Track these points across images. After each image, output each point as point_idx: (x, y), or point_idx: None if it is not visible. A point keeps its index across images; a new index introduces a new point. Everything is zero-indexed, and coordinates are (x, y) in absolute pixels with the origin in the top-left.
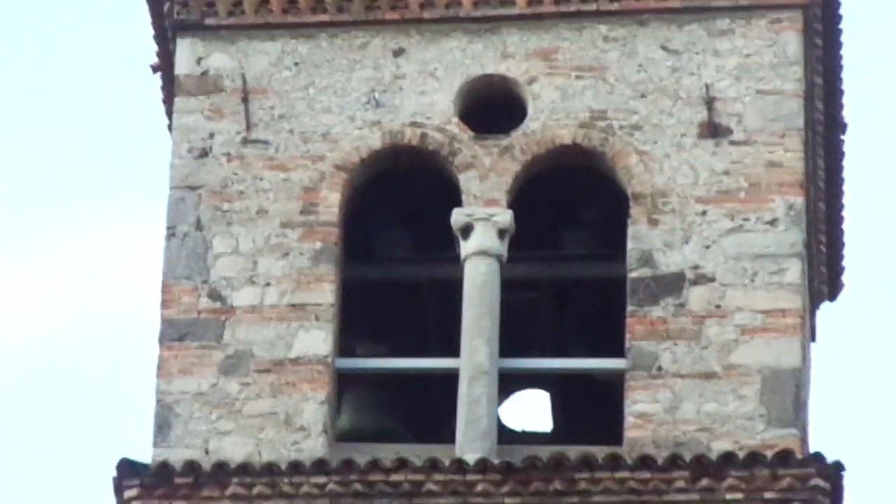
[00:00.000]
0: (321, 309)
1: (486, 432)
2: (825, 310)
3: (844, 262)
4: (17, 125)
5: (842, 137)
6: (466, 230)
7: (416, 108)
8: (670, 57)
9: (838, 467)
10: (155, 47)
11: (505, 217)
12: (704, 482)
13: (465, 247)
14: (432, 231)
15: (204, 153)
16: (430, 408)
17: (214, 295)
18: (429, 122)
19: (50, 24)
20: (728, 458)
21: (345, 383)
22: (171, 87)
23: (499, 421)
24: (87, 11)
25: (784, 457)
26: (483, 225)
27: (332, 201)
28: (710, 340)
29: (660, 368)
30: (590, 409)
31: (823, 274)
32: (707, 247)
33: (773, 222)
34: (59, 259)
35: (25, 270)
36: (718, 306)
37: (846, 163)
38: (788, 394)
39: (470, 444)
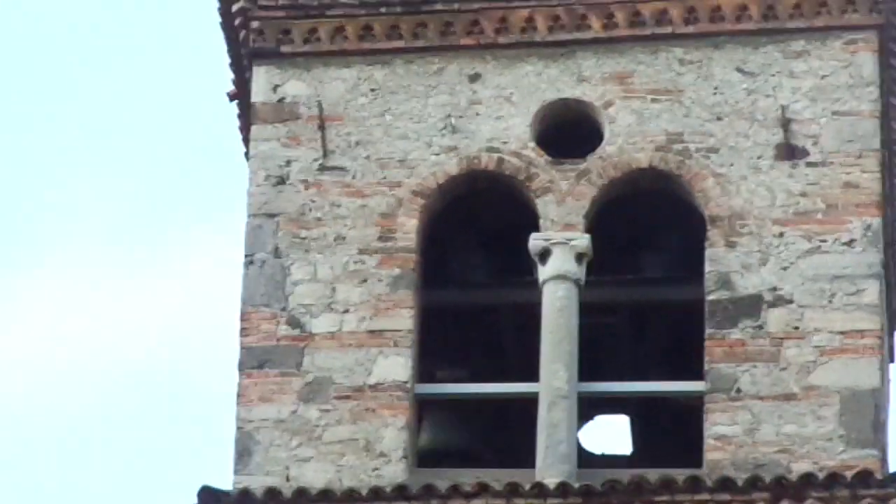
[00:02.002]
0: (400, 335)
1: (565, 456)
2: None
3: None
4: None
5: None
6: (544, 255)
7: (492, 133)
8: (746, 79)
9: None
10: (231, 75)
11: (583, 241)
12: (784, 503)
13: (543, 271)
14: (510, 256)
15: (281, 181)
16: (509, 432)
17: (293, 322)
18: (505, 146)
19: (127, 54)
20: (808, 479)
21: (424, 408)
22: (247, 115)
23: (579, 445)
24: (164, 41)
25: (864, 477)
26: (561, 249)
27: (409, 227)
28: (788, 362)
29: (739, 390)
30: (669, 431)
31: None
32: (785, 268)
33: (850, 243)
34: (139, 287)
35: (105, 301)
36: (797, 328)
37: None
38: (867, 414)
39: (550, 468)
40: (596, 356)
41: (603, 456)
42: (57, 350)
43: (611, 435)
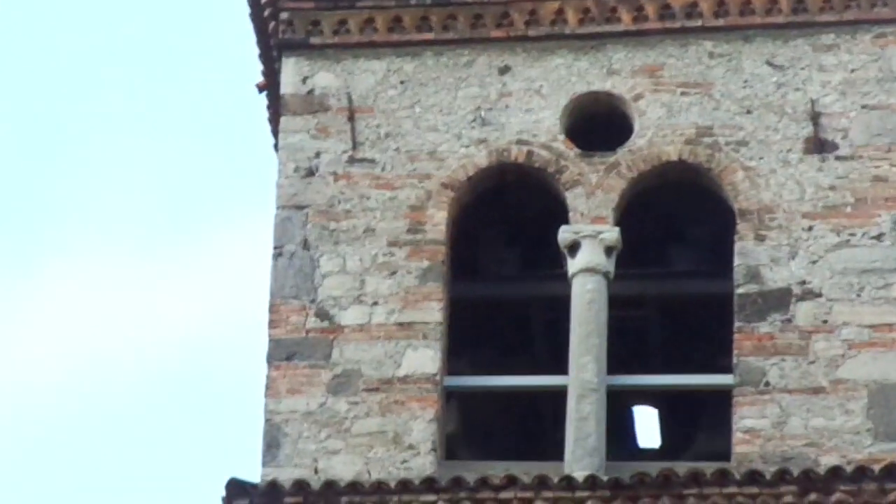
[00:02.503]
0: (429, 327)
1: (594, 449)
2: None
3: None
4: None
5: None
6: (573, 247)
7: (522, 125)
8: (776, 72)
9: None
10: (261, 66)
11: (612, 234)
12: (812, 496)
13: (573, 264)
14: (539, 248)
15: (310, 172)
16: (538, 425)
17: (322, 314)
18: (535, 139)
19: (155, 45)
20: (836, 472)
21: (454, 401)
22: (277, 107)
23: (608, 437)
24: (194, 32)
25: (892, 471)
26: (590, 242)
27: (438, 219)
28: (817, 355)
29: (767, 384)
30: (698, 424)
31: None
32: (814, 262)
33: (879, 237)
34: (169, 280)
35: (135, 293)
36: (825, 321)
37: None
38: (895, 408)
39: (579, 460)
40: (625, 349)
41: (632, 449)
42: (87, 342)
43: (640, 428)
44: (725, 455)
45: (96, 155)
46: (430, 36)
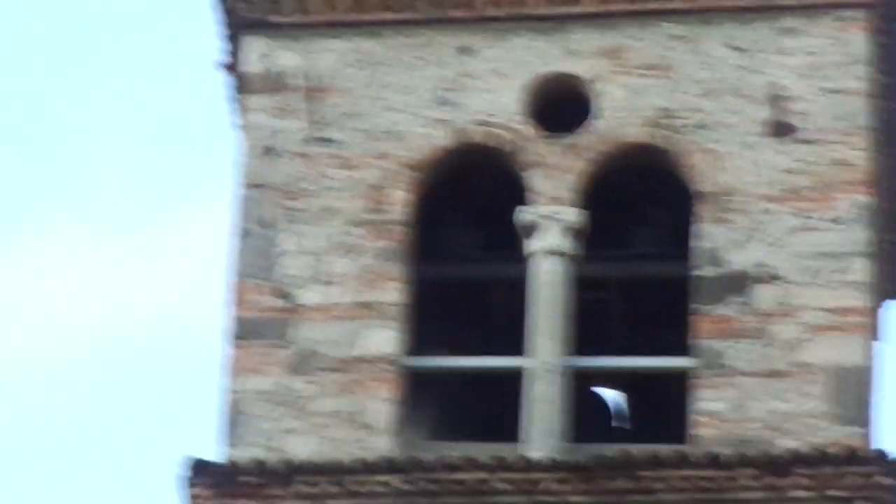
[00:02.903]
0: (389, 307)
1: (552, 431)
2: (892, 308)
3: None
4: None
5: None
6: (531, 228)
7: (481, 105)
8: (736, 55)
9: None
10: (221, 45)
11: (570, 215)
12: (770, 480)
13: (530, 245)
14: (500, 229)
15: (270, 151)
16: (497, 406)
17: (281, 293)
18: (494, 119)
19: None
20: (794, 456)
21: (413, 382)
22: (237, 86)
23: (567, 419)
24: (154, 9)
25: (850, 455)
26: (548, 223)
27: (399, 200)
28: (776, 339)
29: (725, 367)
30: (657, 407)
31: (890, 272)
32: (773, 245)
33: (839, 220)
34: (126, 257)
35: (92, 268)
36: (784, 304)
37: None
38: (854, 392)
39: (536, 442)
40: (585, 331)
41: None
42: (51, 317)
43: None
44: (684, 438)
45: (64, 133)
46: (390, 15)
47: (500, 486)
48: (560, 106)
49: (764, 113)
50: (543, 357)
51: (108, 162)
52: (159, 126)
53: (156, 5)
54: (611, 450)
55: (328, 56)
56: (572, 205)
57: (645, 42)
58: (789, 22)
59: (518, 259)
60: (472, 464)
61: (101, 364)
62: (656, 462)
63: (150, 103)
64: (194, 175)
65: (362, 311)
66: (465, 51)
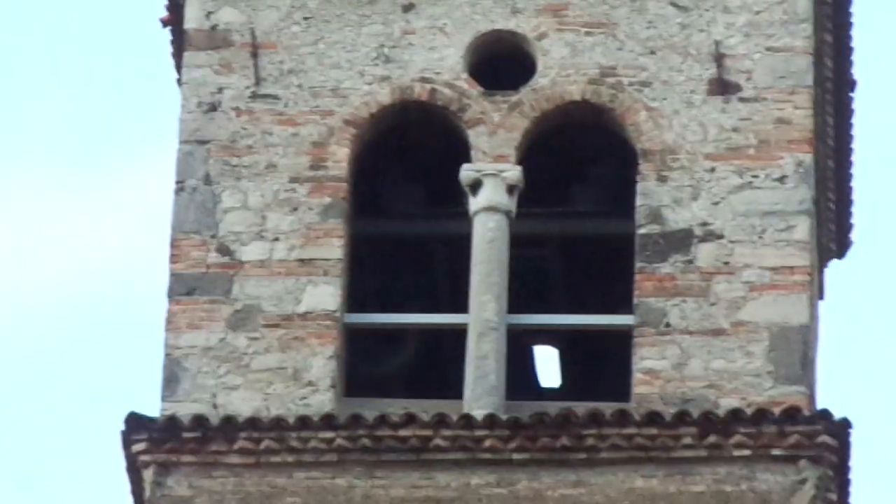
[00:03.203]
0: (330, 264)
1: (494, 388)
2: (834, 267)
3: (853, 220)
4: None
5: (851, 95)
6: (475, 186)
7: (425, 63)
8: (680, 13)
9: (845, 424)
10: (165, 1)
11: (514, 173)
12: (712, 438)
13: (474, 202)
14: (442, 187)
15: (213, 108)
16: (438, 363)
17: (223, 249)
18: (438, 77)
19: None
20: (735, 414)
21: (354, 338)
22: (180, 42)
23: (508, 377)
24: None
25: (791, 414)
26: (492, 181)
27: (341, 156)
28: (718, 297)
29: (668, 325)
30: (598, 365)
31: (832, 231)
32: (716, 203)
33: (781, 179)
34: (66, 213)
35: (33, 224)
36: (727, 263)
37: (855, 120)
38: (796, 351)
39: (478, 399)
40: (526, 288)
41: (532, 388)
42: None
43: (540, 367)
44: (625, 396)
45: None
46: None
47: (441, 443)
48: (503, 63)
49: (707, 71)
50: (485, 314)
51: (50, 117)
52: (104, 81)
53: None
54: (552, 407)
55: (272, 13)
56: (516, 162)
57: (588, 0)
58: None
59: (460, 216)
60: (413, 420)
61: (45, 320)
62: (597, 420)
63: (95, 58)
64: (139, 131)
65: (304, 267)
66: (408, 8)
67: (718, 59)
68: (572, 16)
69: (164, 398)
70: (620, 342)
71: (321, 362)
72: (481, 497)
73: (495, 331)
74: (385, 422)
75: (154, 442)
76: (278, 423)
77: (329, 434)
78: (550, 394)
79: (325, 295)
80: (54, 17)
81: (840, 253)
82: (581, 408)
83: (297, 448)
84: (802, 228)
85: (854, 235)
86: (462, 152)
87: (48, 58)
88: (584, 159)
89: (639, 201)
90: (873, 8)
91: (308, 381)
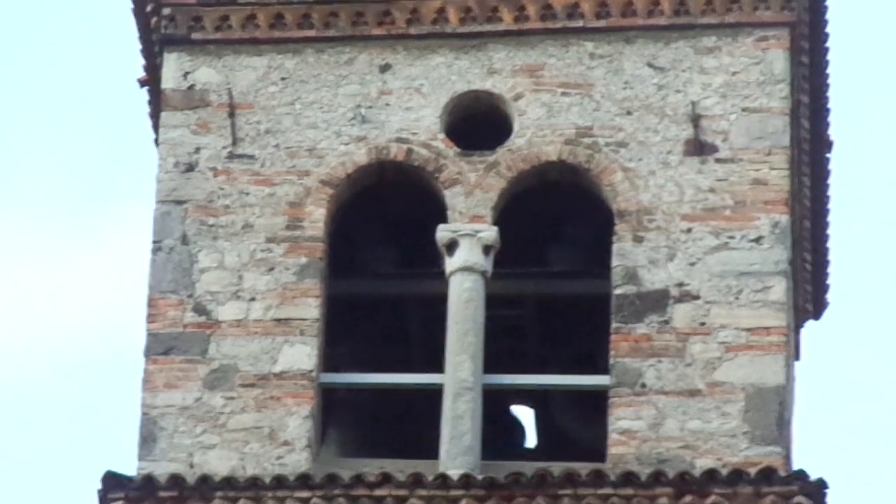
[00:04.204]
0: (306, 324)
1: (469, 448)
2: (809, 328)
3: (829, 281)
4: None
5: (827, 155)
6: (451, 246)
7: (401, 123)
8: (656, 74)
9: (821, 485)
10: (142, 61)
11: (490, 233)
12: (687, 499)
13: (451, 263)
14: (418, 247)
15: (190, 167)
16: (414, 423)
17: (200, 309)
18: (415, 137)
19: (39, 38)
20: (711, 475)
21: (329, 399)
22: (158, 102)
23: (483, 437)
24: (75, 25)
25: (767, 474)
26: (468, 241)
27: (317, 216)
28: (694, 358)
29: (643, 385)
30: (574, 425)
31: (808, 292)
32: (692, 264)
33: (758, 240)
34: (44, 271)
35: (9, 282)
36: (703, 323)
37: (831, 181)
38: (772, 411)
39: (453, 459)
40: (502, 349)
41: (507, 448)
42: None
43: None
44: (601, 456)
45: None
46: (311, 33)
47: (417, 503)
48: (480, 124)
49: (684, 132)
50: (461, 374)
51: (30, 176)
52: (83, 142)
53: (79, 21)
54: (528, 468)
55: (249, 73)
56: (492, 222)
57: (565, 60)
58: (710, 41)
59: (435, 276)
60: (389, 480)
61: (21, 378)
62: (573, 480)
63: (69, 118)
64: (118, 190)
65: (280, 326)
66: (385, 69)
67: (695, 119)
68: (549, 76)
69: (140, 457)
70: (596, 402)
71: (297, 422)
72: None
73: (471, 391)
74: (361, 481)
75: (131, 501)
76: (254, 483)
77: (305, 493)
78: (526, 454)
79: (302, 355)
80: (40, 77)
81: (816, 314)
82: (557, 468)
83: None
84: (779, 289)
85: (830, 296)
86: (438, 212)
87: (35, 118)
88: (560, 219)
89: (615, 261)
90: (849, 69)
91: (284, 440)
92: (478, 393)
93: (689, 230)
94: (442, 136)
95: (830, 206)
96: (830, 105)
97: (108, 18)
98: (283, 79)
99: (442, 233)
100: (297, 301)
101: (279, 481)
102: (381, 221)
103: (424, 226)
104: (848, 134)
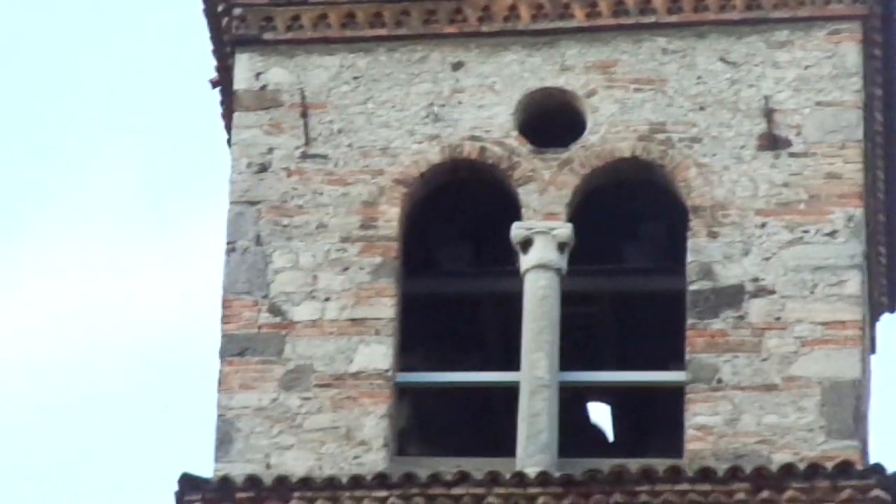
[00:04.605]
0: (381, 323)
1: (546, 445)
2: (885, 321)
3: None
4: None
5: None
6: (526, 244)
7: (474, 121)
8: (729, 69)
9: None
10: (214, 62)
11: (564, 230)
12: (765, 494)
13: (525, 260)
14: (492, 245)
15: (263, 168)
16: (490, 421)
17: (275, 310)
18: (488, 135)
19: (111, 40)
20: (788, 469)
21: (406, 396)
22: (230, 103)
23: (559, 434)
24: (147, 27)
25: (844, 468)
26: (543, 238)
27: (391, 215)
28: (769, 352)
29: (720, 381)
30: (650, 421)
31: (883, 285)
32: (767, 259)
33: (832, 234)
34: (120, 273)
35: (85, 285)
36: (778, 318)
37: None
38: (848, 405)
39: (530, 457)
40: (578, 346)
41: (584, 446)
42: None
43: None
44: (678, 452)
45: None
46: (383, 32)
47: (495, 500)
48: (553, 121)
49: (757, 127)
50: (537, 372)
51: (106, 176)
52: (156, 142)
53: (151, 23)
54: (605, 464)
55: (321, 73)
56: (566, 220)
57: (638, 56)
58: (782, 35)
59: (510, 274)
60: (466, 479)
61: (99, 380)
62: (650, 477)
63: (144, 120)
64: (193, 191)
65: (356, 326)
66: (457, 67)
67: (768, 114)
68: (621, 72)
69: (217, 459)
70: (673, 398)
71: (374, 421)
72: None
73: (547, 388)
74: (438, 480)
75: (208, 502)
76: (331, 483)
77: (382, 493)
78: (603, 450)
79: (377, 354)
80: (106, 77)
81: (891, 306)
82: (634, 464)
83: None
84: (854, 283)
85: None
86: (512, 210)
87: (98, 122)
88: (634, 216)
89: (690, 257)
90: None
91: (361, 440)
92: (554, 390)
93: (763, 225)
94: (515, 133)
95: None
96: None
97: (180, 19)
98: (355, 78)
99: (516, 230)
100: (371, 301)
101: (356, 481)
102: (454, 220)
103: (498, 224)
104: None
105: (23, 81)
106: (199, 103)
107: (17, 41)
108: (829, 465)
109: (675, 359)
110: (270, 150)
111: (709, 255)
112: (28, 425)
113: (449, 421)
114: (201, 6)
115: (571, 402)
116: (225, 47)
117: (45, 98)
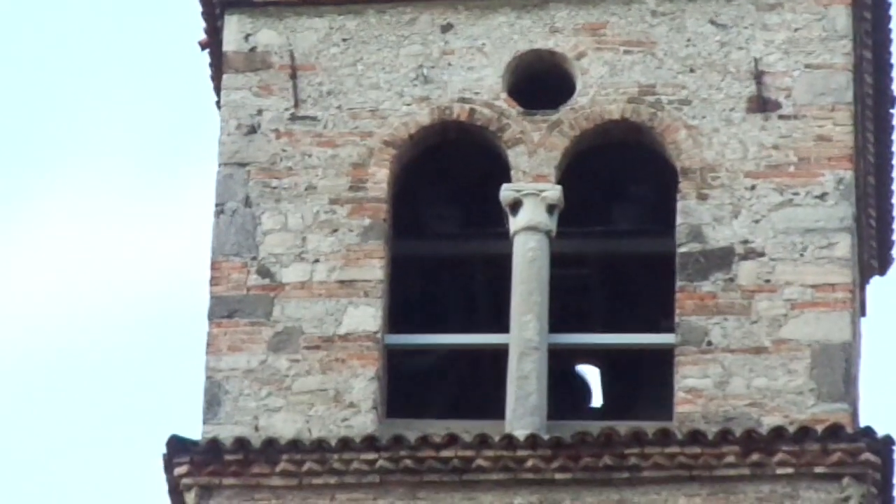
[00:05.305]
0: (370, 285)
1: (535, 408)
2: (875, 284)
3: (894, 236)
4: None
5: (891, 111)
6: (515, 206)
7: (464, 83)
8: (719, 31)
9: (889, 441)
10: (203, 24)
11: (554, 192)
12: (754, 457)
13: (515, 222)
14: (481, 207)
15: (252, 130)
16: (479, 384)
17: (263, 271)
18: (477, 97)
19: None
20: (778, 432)
21: (395, 359)
22: (219, 64)
23: (548, 396)
24: None
25: (834, 431)
26: (532, 200)
27: (380, 177)
28: (759, 315)
29: (709, 343)
30: (640, 384)
31: (873, 248)
32: (756, 221)
33: (822, 196)
34: (107, 235)
35: (74, 246)
36: (768, 281)
37: (895, 136)
38: (838, 368)
39: (520, 419)
40: (567, 308)
41: (573, 408)
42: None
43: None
44: (667, 415)
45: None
46: None
47: (484, 463)
48: (542, 83)
49: (747, 89)
50: (527, 334)
51: (95, 138)
52: (145, 104)
53: None
54: (594, 427)
55: (310, 35)
56: (556, 182)
57: (627, 19)
58: None
59: (499, 236)
60: (455, 441)
61: (87, 342)
62: (639, 439)
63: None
64: (182, 153)
65: (345, 288)
66: (447, 29)
67: (758, 76)
68: (611, 35)
69: (205, 421)
70: (662, 361)
71: (362, 383)
72: None
73: (537, 350)
74: (427, 442)
75: (196, 465)
76: (320, 445)
77: (371, 455)
78: (592, 413)
79: (366, 316)
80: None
81: (882, 269)
82: (623, 427)
83: (339, 470)
84: (844, 245)
85: (895, 251)
86: (502, 172)
87: (86, 84)
88: (623, 178)
89: (679, 219)
90: None
91: (349, 402)
92: (543, 353)
93: (753, 187)
94: (504, 95)
95: (895, 161)
96: (894, 60)
97: None
98: (344, 40)
99: (506, 192)
100: (361, 262)
101: (345, 443)
102: (444, 182)
103: (488, 186)
104: None
105: (11, 46)
106: (188, 65)
107: (5, 4)
108: (819, 428)
109: (664, 321)
110: (260, 112)
111: (698, 217)
112: (16, 388)
113: (438, 383)
114: None
115: (560, 365)
116: (214, 9)
117: (35, 62)
